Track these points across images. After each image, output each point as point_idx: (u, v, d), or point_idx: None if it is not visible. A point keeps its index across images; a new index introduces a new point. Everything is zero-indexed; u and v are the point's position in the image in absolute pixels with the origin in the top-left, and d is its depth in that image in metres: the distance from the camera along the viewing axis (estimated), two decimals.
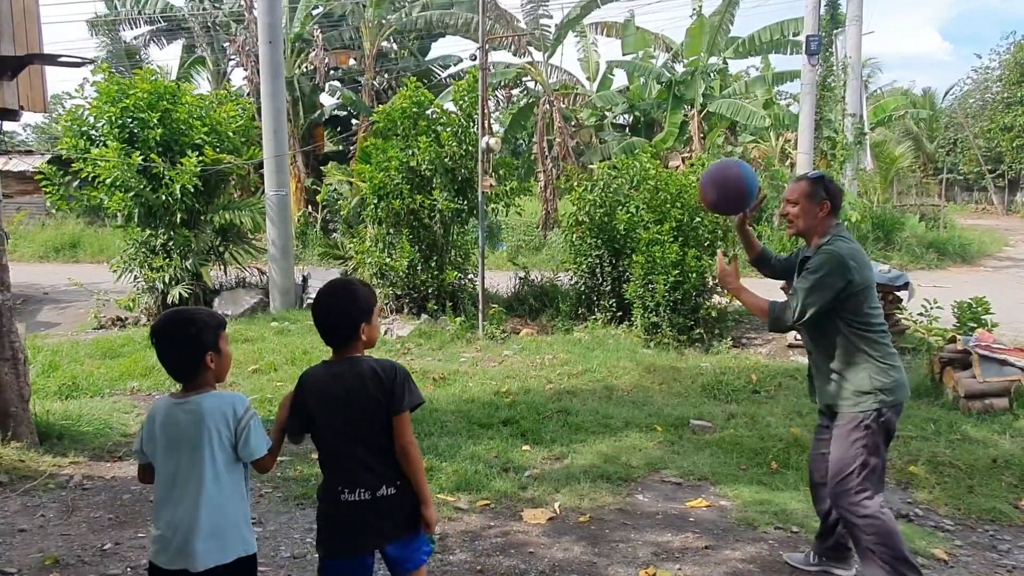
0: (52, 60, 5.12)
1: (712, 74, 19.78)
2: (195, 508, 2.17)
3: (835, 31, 16.57)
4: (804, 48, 15.72)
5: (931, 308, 7.74)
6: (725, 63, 20.82)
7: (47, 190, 10.25)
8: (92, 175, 9.78)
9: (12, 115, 5.34)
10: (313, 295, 11.95)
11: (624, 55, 21.86)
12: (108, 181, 9.69)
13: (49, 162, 10.82)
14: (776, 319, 3.12)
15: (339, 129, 22.38)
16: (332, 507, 2.37)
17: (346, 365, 2.38)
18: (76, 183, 10.29)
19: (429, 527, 2.42)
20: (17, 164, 20.22)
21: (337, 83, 22.06)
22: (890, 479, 4.73)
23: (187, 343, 2.24)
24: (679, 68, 20.30)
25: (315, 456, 2.60)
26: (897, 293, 8.08)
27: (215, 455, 2.20)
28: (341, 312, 2.39)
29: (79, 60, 5.35)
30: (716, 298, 8.90)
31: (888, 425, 3.06)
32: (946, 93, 37.11)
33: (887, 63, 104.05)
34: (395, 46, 22.38)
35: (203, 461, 2.19)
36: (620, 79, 23.89)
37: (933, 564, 3.59)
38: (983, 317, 7.13)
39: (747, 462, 4.93)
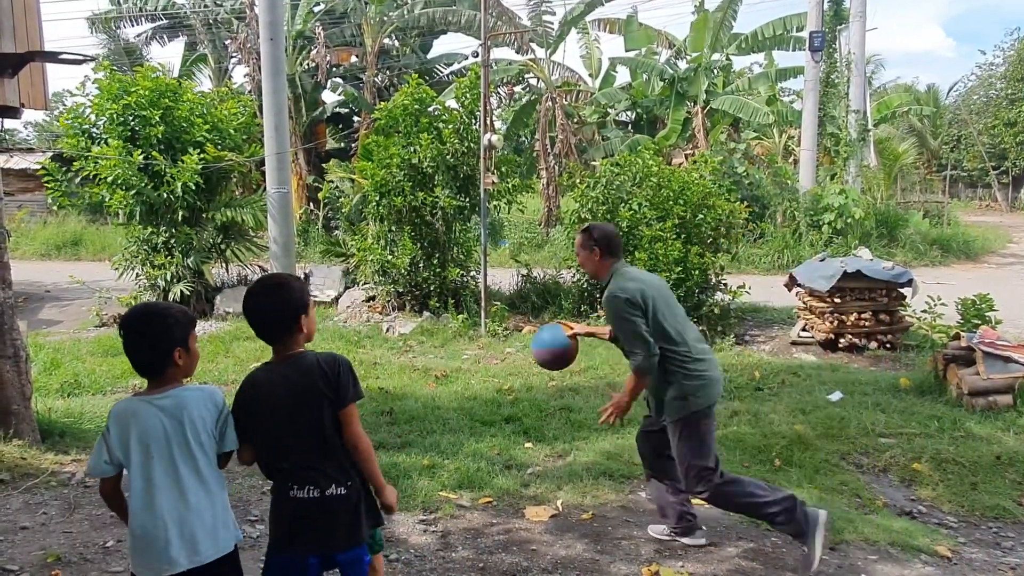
0: (53, 57, 5.09)
1: (715, 70, 19.74)
2: (193, 501, 2.15)
3: (838, 27, 16.53)
4: (807, 44, 15.71)
5: (935, 305, 7.74)
6: (728, 59, 20.77)
7: (49, 186, 10.24)
8: (93, 173, 9.78)
9: (13, 112, 5.32)
10: (315, 293, 11.81)
11: (627, 52, 21.77)
12: (109, 179, 9.69)
13: (51, 159, 10.81)
14: (640, 367, 3.36)
15: (341, 126, 22.36)
16: (280, 502, 2.34)
17: (291, 364, 2.31)
18: (78, 179, 10.29)
19: (390, 510, 2.43)
20: (18, 162, 20.23)
21: (339, 80, 22.01)
22: (893, 476, 4.73)
23: (157, 338, 2.18)
24: (682, 65, 20.26)
25: None
26: (901, 290, 8.06)
27: (203, 446, 2.18)
28: (278, 305, 2.31)
29: (80, 57, 5.31)
30: (719, 295, 8.88)
31: (704, 423, 3.41)
32: (950, 89, 36.93)
33: (890, 59, 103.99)
34: (397, 43, 22.32)
35: (190, 454, 2.16)
36: (623, 76, 23.84)
37: (936, 561, 3.58)
38: (987, 314, 7.13)
39: (750, 459, 4.91)
